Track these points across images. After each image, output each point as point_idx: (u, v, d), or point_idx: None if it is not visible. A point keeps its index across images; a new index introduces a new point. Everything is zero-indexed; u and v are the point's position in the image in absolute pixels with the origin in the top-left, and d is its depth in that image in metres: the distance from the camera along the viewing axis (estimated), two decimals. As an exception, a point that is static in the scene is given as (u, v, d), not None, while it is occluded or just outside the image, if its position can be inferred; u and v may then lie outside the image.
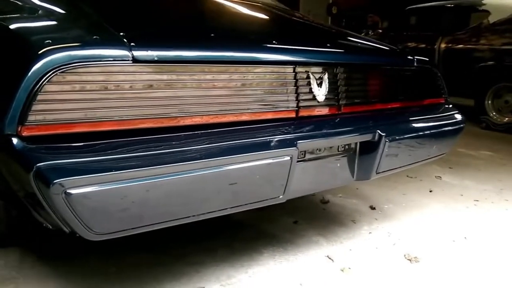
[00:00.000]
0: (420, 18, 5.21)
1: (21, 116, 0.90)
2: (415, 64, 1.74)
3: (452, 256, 1.70)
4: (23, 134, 0.91)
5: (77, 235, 0.96)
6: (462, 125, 1.81)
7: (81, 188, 0.88)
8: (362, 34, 2.25)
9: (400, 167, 1.62)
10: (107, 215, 0.96)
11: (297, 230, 1.84)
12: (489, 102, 4.32)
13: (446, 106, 1.87)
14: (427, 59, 1.83)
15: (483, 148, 3.46)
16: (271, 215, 1.94)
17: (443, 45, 4.62)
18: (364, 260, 1.63)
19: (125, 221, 1.00)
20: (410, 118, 1.65)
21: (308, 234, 1.81)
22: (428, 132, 1.66)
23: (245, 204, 1.22)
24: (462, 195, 2.38)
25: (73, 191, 0.87)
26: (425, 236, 1.86)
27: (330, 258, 1.63)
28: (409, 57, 1.76)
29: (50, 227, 1.05)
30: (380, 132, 1.45)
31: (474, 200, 2.30)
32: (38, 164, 0.86)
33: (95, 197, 0.91)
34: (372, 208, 2.13)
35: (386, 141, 1.46)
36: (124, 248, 1.58)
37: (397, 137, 1.51)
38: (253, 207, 1.27)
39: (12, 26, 1.09)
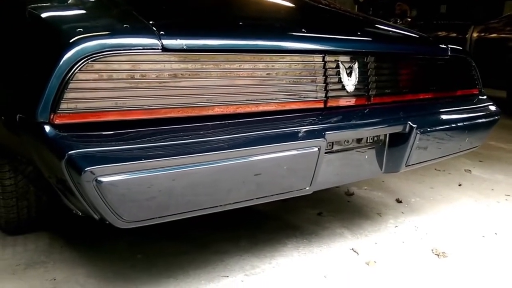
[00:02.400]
0: (451, 6, 5.03)
1: (54, 104, 0.91)
2: (449, 53, 1.67)
3: (482, 252, 1.64)
4: (55, 122, 0.92)
5: (107, 222, 0.98)
6: (496, 117, 1.74)
7: (112, 176, 0.89)
8: (391, 23, 2.19)
9: (431, 160, 1.57)
10: (136, 203, 0.97)
11: (321, 222, 1.83)
12: (523, 93, 4.15)
13: (481, 97, 1.80)
14: (461, 48, 1.76)
15: (515, 142, 3.34)
16: (295, 207, 1.93)
17: (475, 35, 4.44)
18: (390, 254, 1.60)
19: (153, 209, 1.01)
20: (443, 110, 1.60)
21: (333, 226, 1.79)
22: (461, 124, 1.60)
23: (271, 195, 1.21)
24: (492, 189, 2.30)
25: (103, 179, 0.88)
26: (453, 231, 1.81)
27: (355, 251, 1.60)
28: (442, 45, 1.69)
29: (80, 214, 1.07)
30: (411, 124, 1.41)
31: (505, 195, 2.23)
32: (70, 152, 0.87)
33: (124, 185, 0.92)
34: (399, 201, 2.08)
35: (417, 133, 1.41)
36: (150, 235, 1.60)
37: (428, 129, 1.46)
38: (279, 198, 1.26)
39: (44, 15, 1.09)
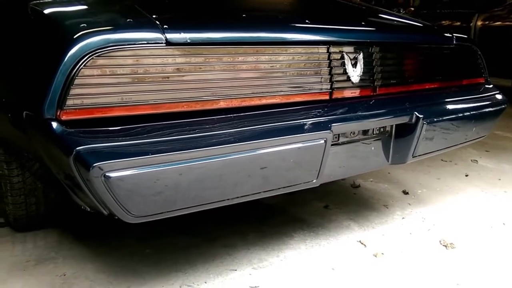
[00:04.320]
0: (454, -6, 4.97)
1: (60, 101, 0.91)
2: (454, 42, 1.65)
3: (490, 243, 1.64)
4: (62, 118, 0.92)
5: (115, 217, 0.98)
6: (503, 106, 1.72)
7: (120, 171, 0.89)
8: (394, 12, 2.18)
9: (438, 150, 1.56)
10: (144, 198, 0.97)
11: (327, 214, 1.83)
12: (528, 82, 4.11)
13: (487, 86, 1.78)
14: (466, 36, 1.74)
15: (521, 131, 3.31)
16: (301, 200, 1.93)
17: (479, 23, 4.39)
18: (397, 245, 1.60)
19: (161, 204, 1.01)
20: (449, 99, 1.58)
21: (339, 218, 1.79)
22: (468, 113, 1.59)
23: (278, 188, 1.21)
24: (499, 179, 2.29)
25: (112, 174, 0.88)
26: (461, 221, 1.80)
27: (362, 243, 1.60)
28: (447, 34, 1.67)
29: (88, 209, 1.07)
30: (417, 114, 1.40)
31: (513, 185, 2.22)
32: (77, 148, 0.88)
33: (132, 180, 0.92)
34: (405, 192, 2.07)
35: (423, 123, 1.40)
36: (158, 230, 1.61)
37: (435, 119, 1.45)
38: (286, 191, 1.25)
39: (47, 11, 1.09)
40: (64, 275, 1.36)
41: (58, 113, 0.91)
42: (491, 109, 1.68)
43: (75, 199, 1.07)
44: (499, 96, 1.75)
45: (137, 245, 1.54)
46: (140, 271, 1.40)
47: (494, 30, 4.32)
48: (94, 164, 0.86)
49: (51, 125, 0.91)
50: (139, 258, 1.47)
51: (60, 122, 0.92)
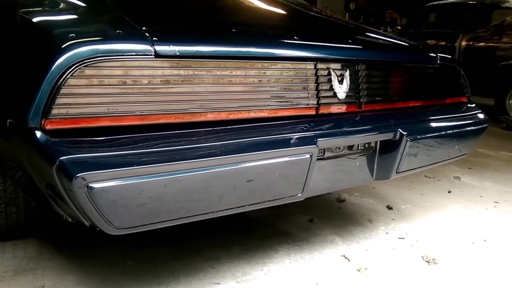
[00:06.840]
0: (440, 15, 5.11)
1: (45, 110, 0.90)
2: (438, 61, 1.70)
3: (472, 259, 1.66)
4: (46, 128, 0.91)
5: (97, 228, 0.97)
6: (485, 125, 1.77)
7: (103, 182, 0.88)
8: (381, 31, 2.24)
9: (421, 167, 1.59)
10: (127, 210, 0.96)
11: (312, 228, 1.83)
12: (510, 101, 4.23)
13: (469, 105, 1.82)
14: (450, 56, 1.79)
15: (503, 149, 3.39)
16: (286, 213, 1.93)
17: (463, 43, 4.52)
18: (381, 260, 1.61)
19: (144, 216, 1.00)
20: (432, 117, 1.62)
21: (324, 233, 1.80)
22: (451, 131, 1.62)
23: (263, 202, 1.22)
24: (481, 196, 2.33)
25: (95, 185, 0.87)
26: (443, 237, 1.82)
27: (346, 258, 1.61)
28: (432, 54, 1.72)
29: (70, 220, 1.06)
30: (401, 131, 1.42)
31: (494, 202, 2.25)
32: (61, 158, 0.87)
33: (116, 191, 0.91)
34: (389, 208, 2.10)
35: (407, 140, 1.43)
36: (141, 241, 1.59)
37: (418, 137, 1.47)
38: (271, 205, 1.26)
39: (35, 20, 1.09)
40: (43, 286, 1.33)
41: (43, 122, 0.91)
42: (473, 127, 1.73)
43: (57, 209, 1.05)
44: (481, 115, 1.80)
45: (119, 256, 1.52)
46: (122, 283, 1.37)
47: (478, 50, 4.44)
48: (77, 175, 0.85)
49: (35, 134, 0.90)
50: (120, 270, 1.44)
51: (44, 131, 0.91)
